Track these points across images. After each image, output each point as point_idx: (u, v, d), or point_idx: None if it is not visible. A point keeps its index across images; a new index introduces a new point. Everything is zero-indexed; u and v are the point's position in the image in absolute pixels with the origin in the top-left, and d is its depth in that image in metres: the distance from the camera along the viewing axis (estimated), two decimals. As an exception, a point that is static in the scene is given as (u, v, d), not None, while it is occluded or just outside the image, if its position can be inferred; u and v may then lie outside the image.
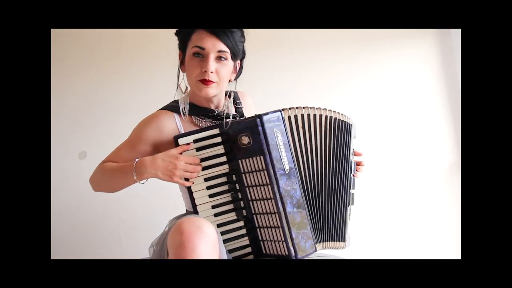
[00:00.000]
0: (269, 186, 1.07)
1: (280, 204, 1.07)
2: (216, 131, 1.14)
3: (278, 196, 1.07)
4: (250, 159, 1.09)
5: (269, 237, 1.12)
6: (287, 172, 1.08)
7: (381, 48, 2.06)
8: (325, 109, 1.19)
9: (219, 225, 1.15)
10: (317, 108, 1.17)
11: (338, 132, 1.20)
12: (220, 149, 1.14)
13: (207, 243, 0.95)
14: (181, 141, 1.12)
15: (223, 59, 1.15)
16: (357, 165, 1.29)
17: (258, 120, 1.07)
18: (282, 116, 1.10)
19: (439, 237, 1.97)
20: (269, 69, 2.04)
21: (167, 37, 2.06)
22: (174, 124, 1.20)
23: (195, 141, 1.13)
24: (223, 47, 1.14)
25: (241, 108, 1.28)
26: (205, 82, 1.14)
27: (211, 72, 1.13)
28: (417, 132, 2.02)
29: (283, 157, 1.08)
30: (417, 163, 2.00)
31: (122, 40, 2.05)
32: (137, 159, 1.12)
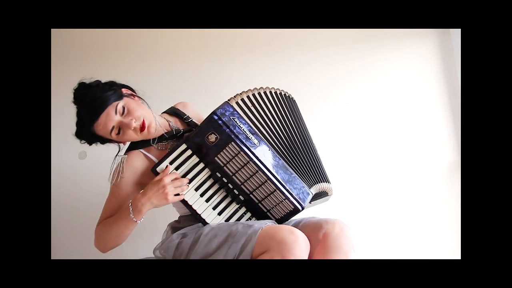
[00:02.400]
0: (251, 163, 1.19)
1: (267, 172, 1.20)
2: (183, 146, 1.22)
3: (261, 166, 1.19)
4: (224, 150, 1.20)
5: (272, 203, 1.23)
6: (258, 145, 1.21)
7: (381, 48, 2.06)
8: (262, 87, 1.35)
9: (226, 220, 1.25)
10: (256, 88, 1.33)
11: (286, 99, 1.41)
12: (194, 159, 1.23)
13: (304, 255, 1.10)
14: (159, 169, 1.21)
15: (123, 110, 1.23)
16: None
17: (214, 116, 1.19)
18: (230, 105, 1.23)
19: (439, 237, 1.97)
20: (268, 70, 2.04)
21: (169, 37, 2.07)
22: (143, 158, 1.28)
23: (171, 163, 1.22)
24: (111, 108, 1.21)
25: (191, 120, 1.39)
26: (142, 129, 1.23)
27: (134, 122, 1.22)
28: (417, 132, 2.02)
29: (249, 135, 1.21)
30: (417, 163, 2.00)
31: (122, 40, 2.06)
32: (130, 201, 1.20)
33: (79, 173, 1.96)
